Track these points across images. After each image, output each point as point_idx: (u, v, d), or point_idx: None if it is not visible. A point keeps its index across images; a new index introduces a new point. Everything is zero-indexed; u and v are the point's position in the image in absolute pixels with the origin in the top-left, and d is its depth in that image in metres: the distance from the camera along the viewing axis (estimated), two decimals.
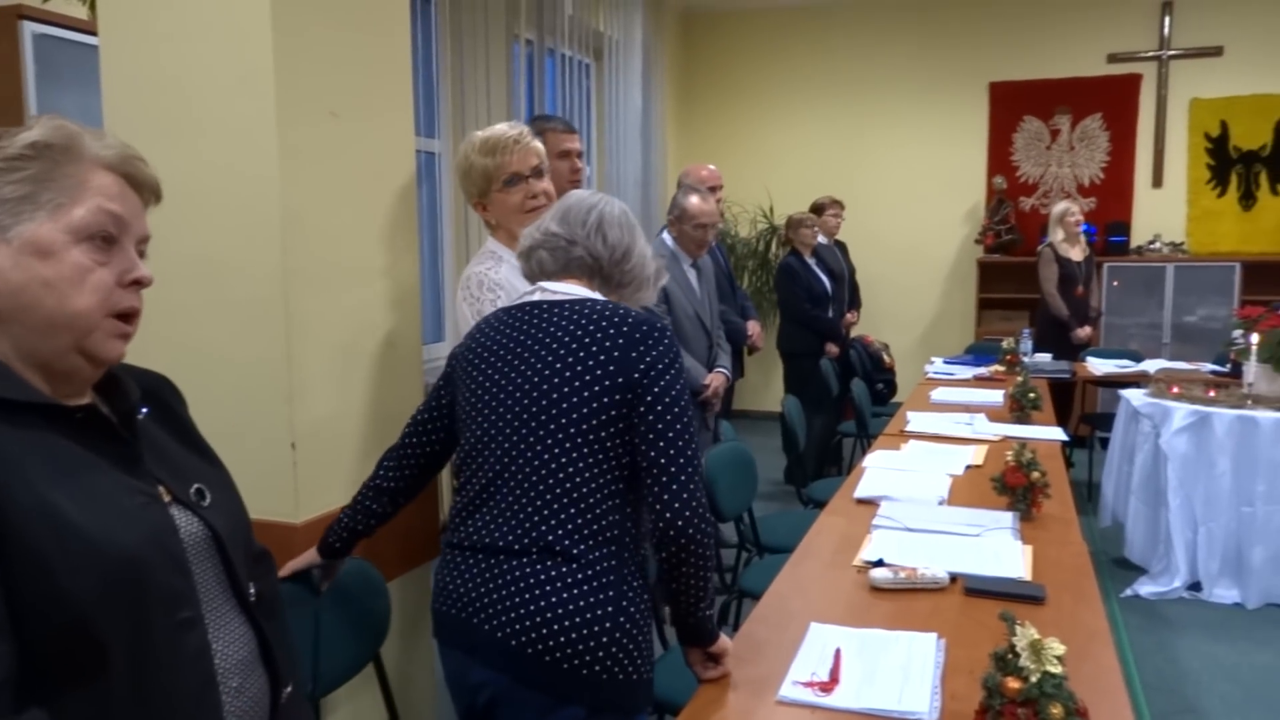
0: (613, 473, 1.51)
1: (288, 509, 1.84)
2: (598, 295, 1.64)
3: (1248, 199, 6.73)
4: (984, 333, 6.71)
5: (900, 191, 7.36)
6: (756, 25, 7.59)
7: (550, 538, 1.47)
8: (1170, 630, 3.56)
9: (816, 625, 1.76)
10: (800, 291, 5.27)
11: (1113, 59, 6.88)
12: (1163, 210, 6.86)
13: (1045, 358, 5.32)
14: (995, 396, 4.15)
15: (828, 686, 1.52)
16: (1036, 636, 1.31)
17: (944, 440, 3.33)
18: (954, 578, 1.98)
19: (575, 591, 1.45)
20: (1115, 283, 6.61)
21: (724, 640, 1.58)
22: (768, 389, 5.73)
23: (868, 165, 7.40)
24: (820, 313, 5.30)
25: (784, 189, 7.31)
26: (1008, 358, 4.85)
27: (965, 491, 2.69)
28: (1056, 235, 5.71)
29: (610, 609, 1.46)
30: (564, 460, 1.49)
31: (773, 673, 1.58)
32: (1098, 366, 5.27)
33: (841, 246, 6.16)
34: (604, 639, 1.45)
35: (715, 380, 3.57)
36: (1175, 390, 4.16)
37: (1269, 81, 6.59)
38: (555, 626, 1.44)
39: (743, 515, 3.10)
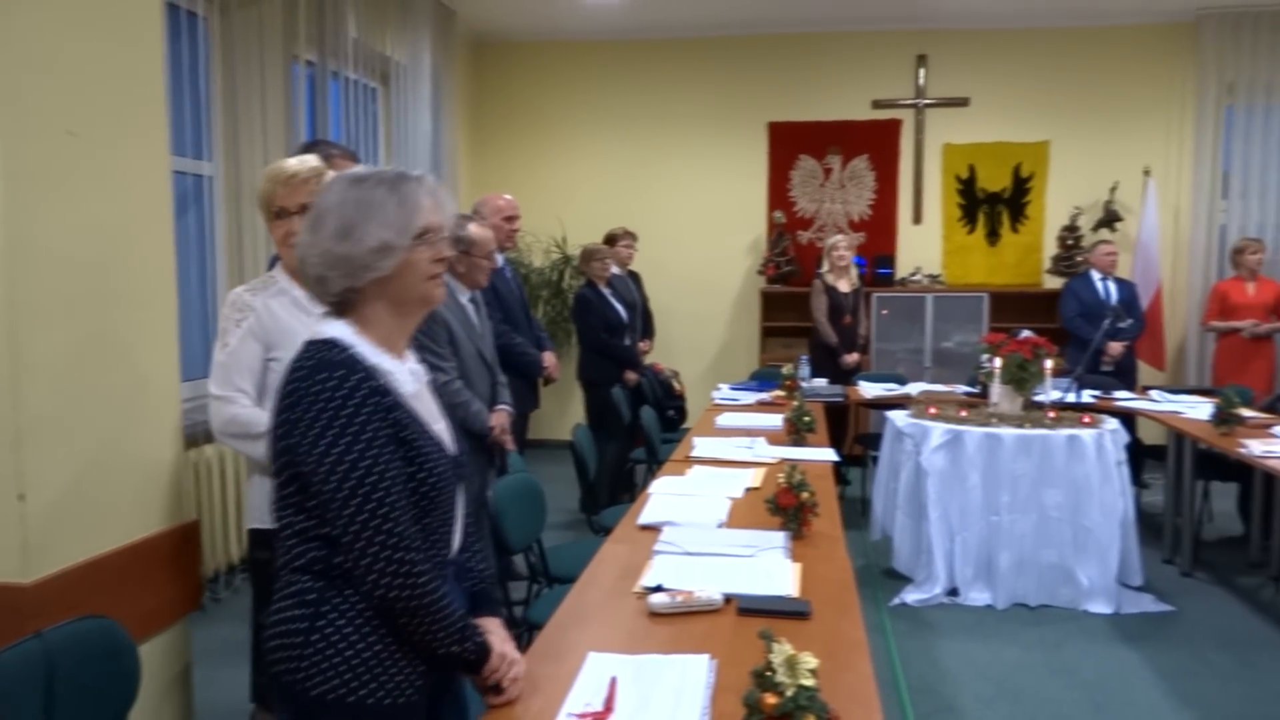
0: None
1: (14, 568, 1.66)
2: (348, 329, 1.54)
3: (993, 236, 7.45)
4: (768, 359, 7.04)
5: (689, 224, 7.63)
6: (549, 56, 7.69)
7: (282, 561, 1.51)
8: (932, 634, 3.84)
9: (594, 655, 1.77)
10: (596, 322, 5.35)
11: (876, 105, 7.45)
12: (922, 245, 7.49)
13: (821, 383, 5.65)
14: (776, 421, 4.36)
15: (601, 717, 1.53)
16: (792, 652, 1.38)
17: (726, 464, 3.46)
18: (729, 599, 2.05)
19: (279, 607, 1.49)
20: (884, 312, 7.12)
21: (497, 658, 1.55)
22: (564, 418, 5.79)
23: (658, 198, 7.63)
24: (618, 341, 5.40)
25: (577, 219, 7.41)
26: (787, 383, 5.10)
27: (744, 514, 2.80)
28: (825, 267, 6.12)
29: (304, 624, 1.46)
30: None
31: (548, 706, 1.57)
32: (868, 390, 5.65)
33: (635, 276, 6.30)
34: (296, 652, 1.46)
35: (499, 419, 3.50)
36: (933, 411, 4.53)
37: (1009, 130, 7.35)
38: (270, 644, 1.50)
39: (532, 546, 3.09)
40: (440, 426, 1.62)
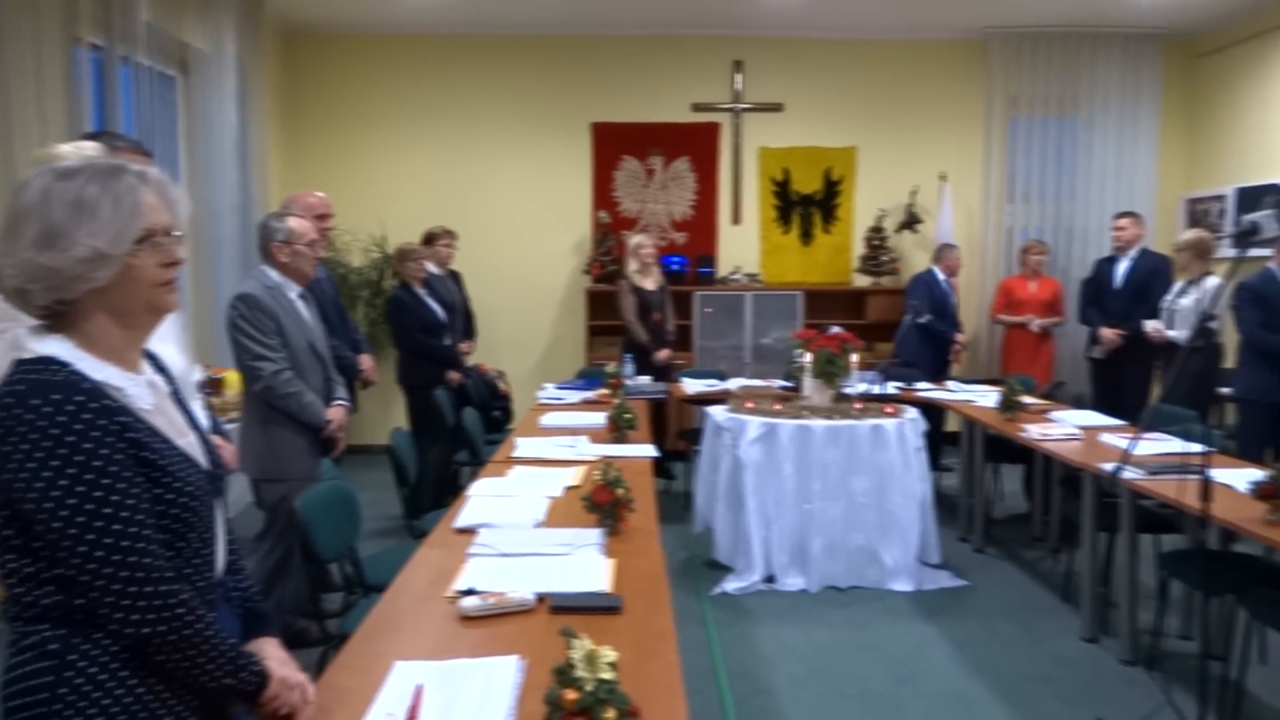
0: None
1: None
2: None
3: (807, 236, 7.79)
4: (594, 358, 7.09)
5: (514, 223, 7.59)
6: (368, 50, 7.46)
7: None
8: (750, 621, 3.98)
9: (401, 663, 1.73)
10: (412, 323, 5.23)
11: (696, 108, 7.65)
12: (741, 245, 7.74)
13: (646, 380, 5.75)
14: (600, 419, 4.39)
15: None
16: (592, 647, 1.40)
17: (548, 464, 3.46)
18: (542, 598, 2.06)
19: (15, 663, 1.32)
20: (708, 309, 7.31)
21: (276, 684, 1.47)
22: (387, 423, 5.62)
23: (481, 196, 7.55)
24: (436, 342, 5.29)
25: (399, 218, 7.22)
26: (611, 381, 5.16)
27: (562, 512, 2.81)
28: (631, 266, 6.22)
29: (49, 678, 1.30)
30: None
31: None
32: (690, 386, 5.79)
33: (456, 276, 6.20)
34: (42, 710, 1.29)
35: (336, 414, 3.43)
36: (749, 405, 4.69)
37: (820, 136, 7.71)
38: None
39: (346, 555, 2.98)
40: (189, 440, 1.47)
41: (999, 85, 7.58)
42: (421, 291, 5.35)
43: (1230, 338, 5.34)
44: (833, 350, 4.71)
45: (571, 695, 1.36)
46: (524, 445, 3.78)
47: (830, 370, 4.69)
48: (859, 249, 7.68)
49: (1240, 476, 3.06)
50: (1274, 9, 6.60)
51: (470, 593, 2.06)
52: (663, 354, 6.16)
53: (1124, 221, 6.13)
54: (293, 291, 3.40)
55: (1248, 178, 6.85)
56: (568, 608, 2.02)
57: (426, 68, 7.49)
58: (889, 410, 4.60)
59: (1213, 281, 5.38)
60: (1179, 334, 5.42)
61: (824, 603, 4.20)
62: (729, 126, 7.69)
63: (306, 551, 2.77)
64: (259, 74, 6.34)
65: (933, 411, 5.43)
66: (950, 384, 5.95)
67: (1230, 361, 5.41)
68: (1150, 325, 5.67)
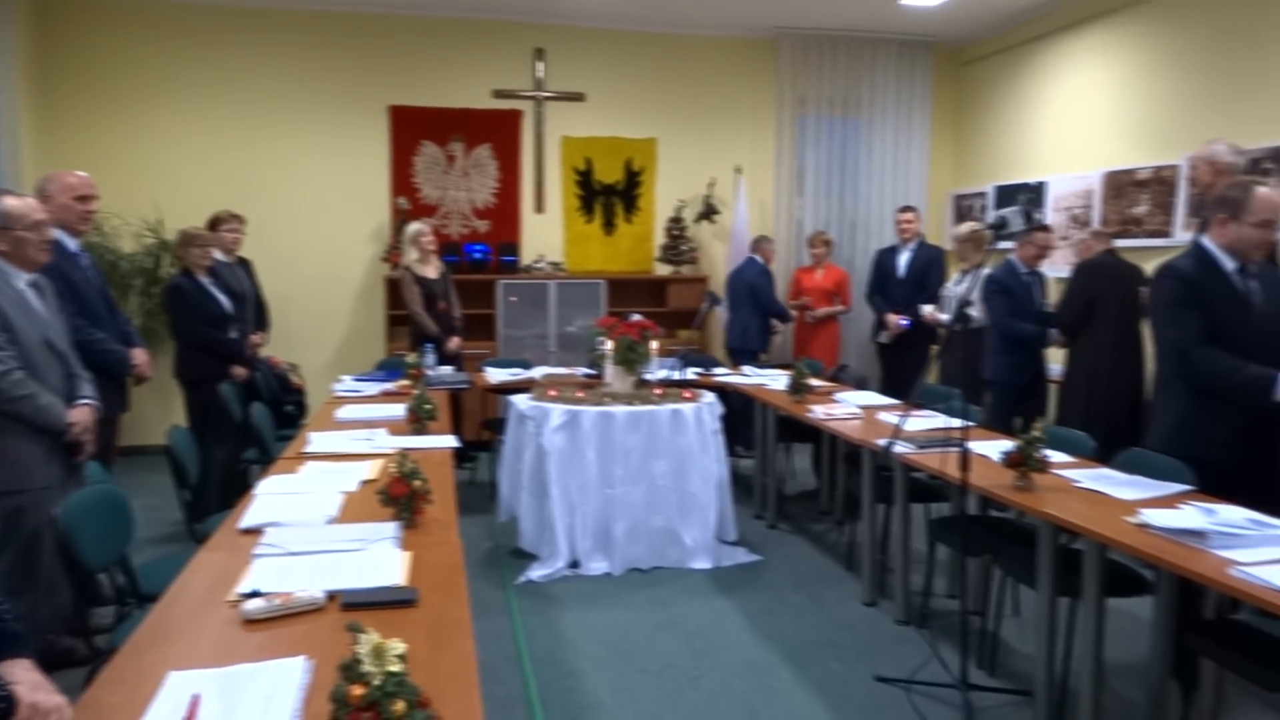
0: None
1: None
2: None
3: (609, 226, 7.90)
4: (395, 349, 6.91)
5: (307, 209, 7.26)
6: (137, 19, 6.89)
7: None
8: (555, 607, 4.02)
9: (176, 674, 1.64)
10: (194, 314, 4.90)
11: (498, 95, 7.57)
12: (545, 233, 7.75)
13: (448, 370, 5.66)
14: (398, 411, 4.29)
15: None
16: (379, 641, 1.37)
17: (343, 458, 3.35)
18: (333, 596, 2.00)
19: None
20: (513, 298, 7.28)
21: (26, 710, 1.36)
22: (167, 420, 5.21)
23: (272, 180, 7.17)
24: (219, 334, 4.99)
25: (177, 201, 6.74)
26: (412, 372, 5.05)
27: (357, 508, 2.73)
28: (411, 256, 6.12)
29: None
30: None
31: None
32: (494, 375, 5.75)
33: (245, 264, 5.86)
34: None
35: (81, 415, 3.14)
36: (553, 393, 4.72)
37: (622, 126, 7.82)
38: None
39: (116, 565, 2.77)
40: None
41: (789, 84, 7.95)
42: (205, 280, 5.02)
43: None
44: (633, 338, 4.81)
45: (358, 691, 1.33)
46: (317, 440, 3.64)
47: (631, 357, 4.79)
48: (660, 238, 7.87)
49: (995, 448, 3.37)
50: (1029, 24, 7.29)
51: (254, 595, 1.96)
52: (454, 342, 6.09)
53: (910, 215, 6.64)
54: (21, 280, 3.08)
55: (1005, 177, 7.55)
56: (360, 604, 1.97)
57: (207, 41, 7.01)
58: (687, 395, 4.76)
59: (986, 272, 5.89)
60: (949, 318, 5.90)
61: (627, 585, 4.29)
62: (531, 114, 7.67)
63: (69, 563, 2.55)
64: (7, 42, 5.73)
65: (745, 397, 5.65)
66: (746, 369, 6.21)
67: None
68: (926, 309, 6.15)
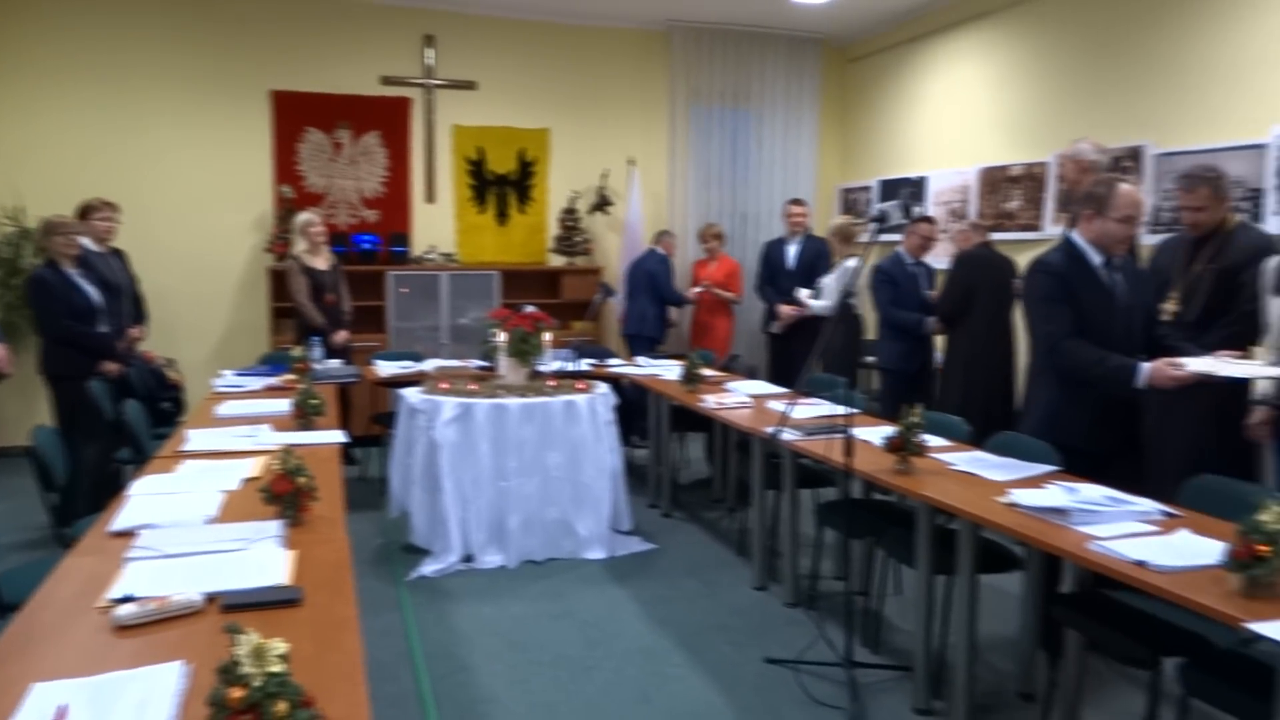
0: None
1: None
2: None
3: (503, 216, 7.83)
4: (280, 342, 6.69)
5: (185, 196, 6.96)
6: None
7: None
8: (449, 601, 3.98)
9: (41, 685, 1.56)
10: (59, 307, 4.65)
11: (386, 81, 7.40)
12: (437, 223, 7.63)
13: (337, 363, 5.52)
14: (283, 406, 4.17)
15: None
16: (259, 641, 1.34)
17: (224, 456, 3.23)
18: (212, 598, 1.94)
19: None
20: (403, 289, 7.14)
21: None
22: (30, 420, 4.90)
23: (148, 166, 6.84)
24: (87, 328, 4.74)
25: (40, 188, 6.37)
26: (298, 366, 4.91)
27: (239, 506, 2.64)
28: (300, 246, 5.97)
29: None
30: None
31: None
32: (384, 368, 5.64)
33: (120, 254, 5.58)
34: None
35: None
36: (444, 385, 4.66)
37: (514, 116, 7.75)
38: None
39: None
40: None
41: (681, 76, 8.03)
42: (73, 271, 4.76)
43: (871, 313, 6.06)
44: (527, 329, 4.80)
45: (237, 693, 1.29)
46: (196, 438, 3.51)
47: (525, 349, 4.77)
48: (554, 229, 7.85)
49: (877, 433, 3.49)
50: (911, 23, 7.53)
51: (127, 600, 1.89)
52: (340, 336, 5.95)
53: (799, 209, 6.81)
54: None
55: (889, 171, 7.82)
56: (241, 605, 1.91)
57: (70, 16, 6.63)
58: (581, 386, 4.77)
59: (851, 262, 6.08)
60: (819, 304, 6.09)
61: (522, 577, 4.28)
62: (421, 102, 7.52)
63: None
64: None
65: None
66: (639, 359, 6.25)
67: (871, 334, 6.18)
68: (803, 294, 6.33)
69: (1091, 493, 2.66)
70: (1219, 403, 3.49)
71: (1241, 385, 3.34)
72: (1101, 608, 2.69)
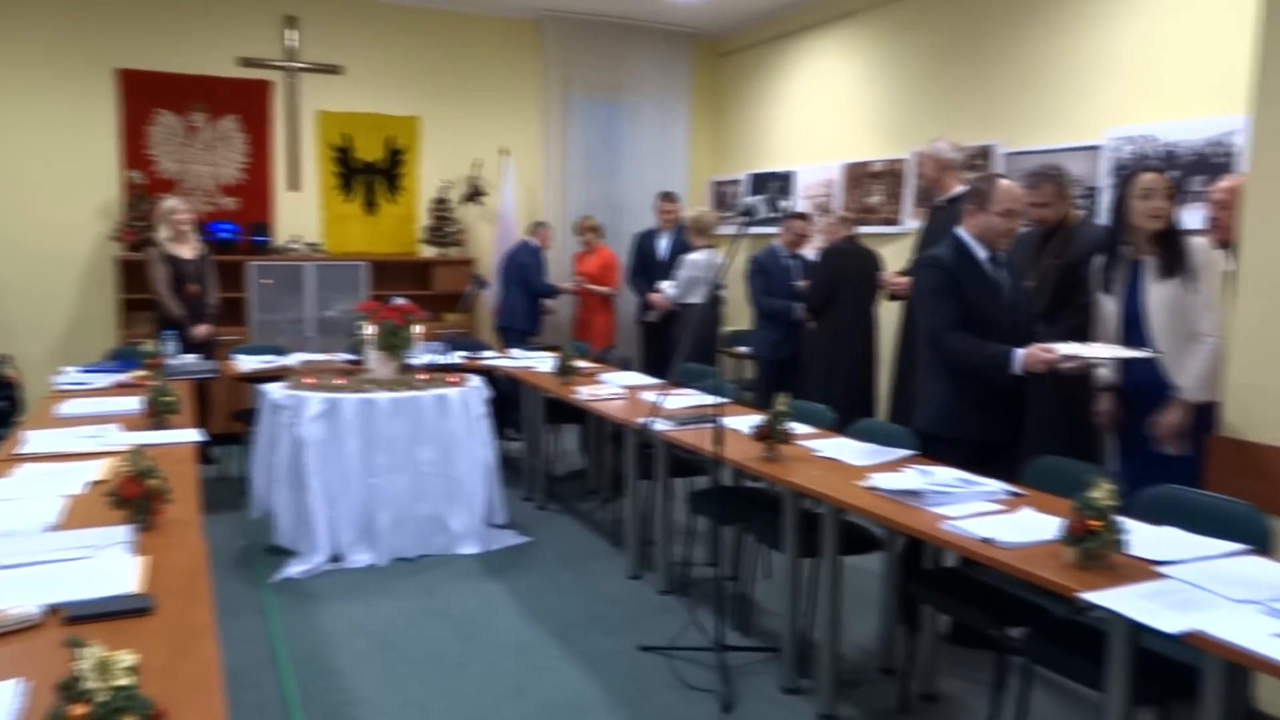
0: None
1: None
2: None
3: (371, 206, 7.62)
4: (130, 336, 6.32)
5: (21, 181, 6.49)
6: None
7: None
8: (316, 603, 3.86)
9: None
10: None
11: (244, 62, 7.09)
12: (301, 212, 7.36)
13: (193, 358, 5.27)
14: (134, 404, 3.95)
15: None
16: (104, 654, 1.27)
17: (65, 459, 3.04)
18: (54, 610, 1.82)
19: None
20: (265, 281, 6.86)
21: None
22: None
23: None
24: None
25: None
26: (150, 361, 4.66)
27: (84, 512, 2.49)
28: (163, 233, 5.70)
29: None
30: None
31: None
32: (245, 363, 5.42)
33: None
34: None
35: None
36: (310, 380, 4.51)
37: (382, 103, 7.55)
38: None
39: None
40: None
41: (555, 67, 7.99)
42: None
43: (738, 303, 6.22)
44: (396, 322, 4.69)
45: (79, 710, 1.23)
46: (35, 439, 3.28)
47: (394, 342, 4.66)
48: (424, 220, 7.69)
49: (747, 422, 3.57)
50: (780, 21, 7.71)
51: None
52: (201, 329, 5.68)
53: (670, 205, 6.91)
54: None
55: (759, 165, 7.98)
56: (86, 616, 1.81)
57: None
58: (453, 380, 4.70)
59: (700, 255, 6.21)
60: (672, 293, 6.34)
61: (393, 575, 4.20)
62: (283, 86, 7.24)
63: None
64: None
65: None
66: (513, 351, 6.21)
67: (734, 324, 6.35)
68: (664, 285, 6.43)
69: (944, 475, 2.80)
70: (1072, 392, 3.69)
71: (1087, 374, 3.54)
72: (954, 584, 2.84)
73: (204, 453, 5.51)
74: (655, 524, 4.15)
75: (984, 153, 5.72)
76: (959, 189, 4.68)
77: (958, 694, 3.16)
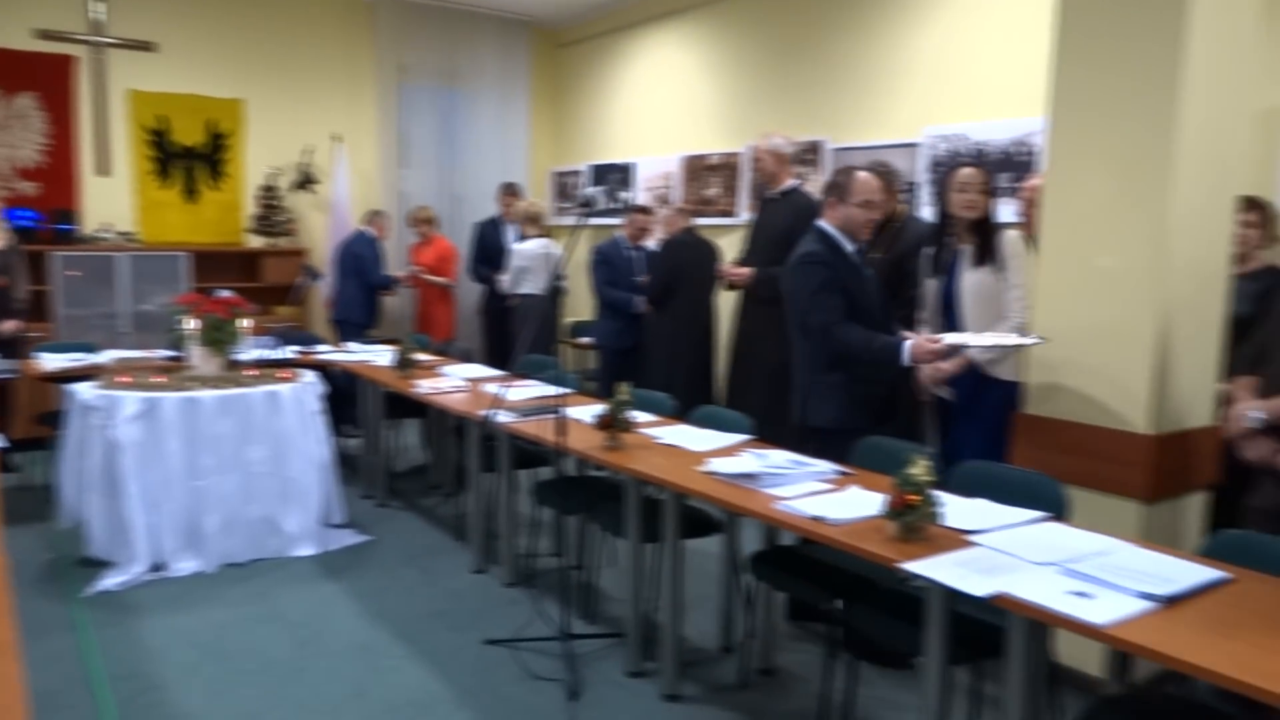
0: None
1: None
2: None
3: (192, 193, 7.19)
4: None
5: None
6: None
7: None
8: (136, 615, 3.62)
9: None
10: None
11: (42, 35, 6.54)
12: (112, 199, 6.87)
13: None
14: None
15: None
16: None
17: None
18: None
19: None
20: (72, 272, 6.36)
21: None
22: None
23: None
24: None
25: None
26: None
27: None
28: None
29: None
30: None
31: None
32: (50, 362, 5.01)
33: None
34: None
35: None
36: (125, 379, 4.22)
37: (203, 84, 7.13)
38: None
39: None
40: None
41: (389, 51, 7.76)
42: None
43: (581, 293, 6.25)
44: (221, 316, 4.46)
45: None
46: None
47: (219, 337, 4.44)
48: (252, 208, 7.33)
49: (589, 412, 3.59)
50: (618, 13, 7.76)
51: None
52: (9, 325, 5.21)
53: (514, 197, 6.87)
54: None
55: (600, 156, 8.03)
56: None
57: None
58: (285, 375, 4.51)
59: (532, 244, 6.22)
60: (505, 284, 6.39)
61: (222, 582, 3.99)
62: (89, 62, 6.72)
63: None
64: None
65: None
66: (350, 345, 6.00)
67: (576, 314, 6.38)
68: (504, 278, 6.40)
69: (778, 457, 2.91)
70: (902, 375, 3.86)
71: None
72: (791, 562, 2.95)
73: (3, 460, 5.08)
74: (500, 517, 4.11)
75: (813, 148, 5.96)
76: (791, 183, 4.86)
77: (794, 667, 3.29)
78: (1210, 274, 3.03)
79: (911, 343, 3.14)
